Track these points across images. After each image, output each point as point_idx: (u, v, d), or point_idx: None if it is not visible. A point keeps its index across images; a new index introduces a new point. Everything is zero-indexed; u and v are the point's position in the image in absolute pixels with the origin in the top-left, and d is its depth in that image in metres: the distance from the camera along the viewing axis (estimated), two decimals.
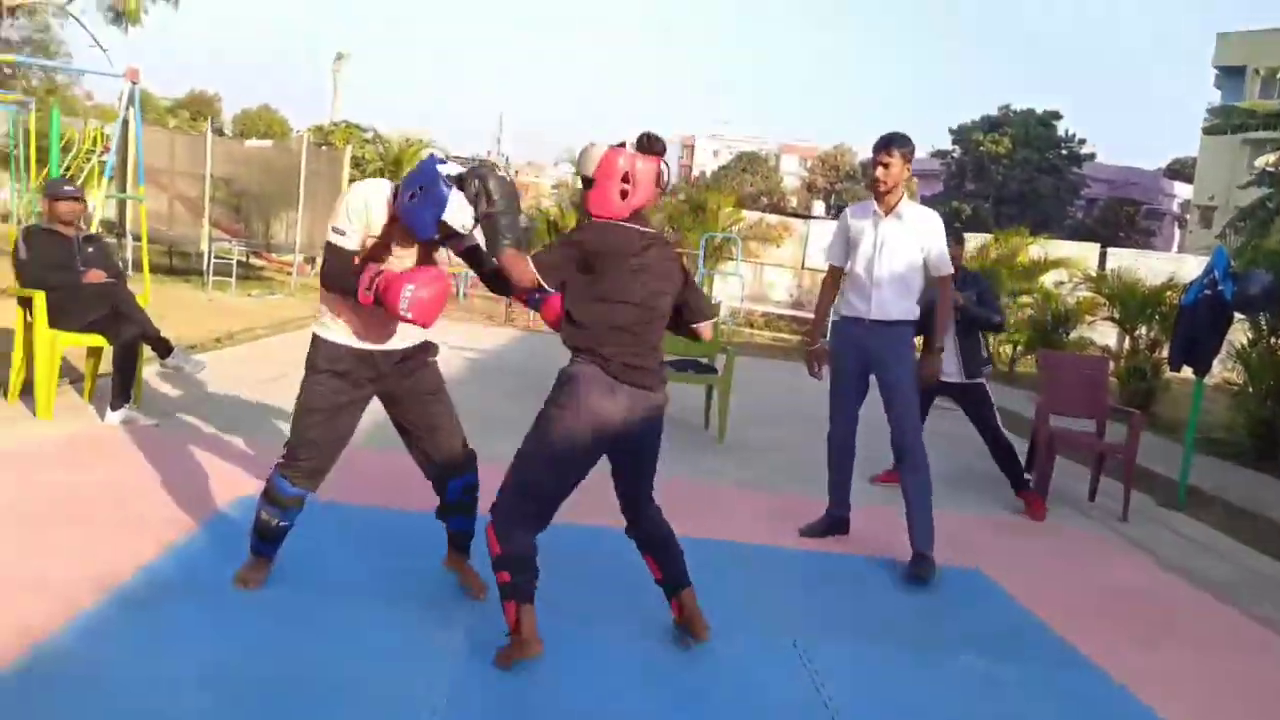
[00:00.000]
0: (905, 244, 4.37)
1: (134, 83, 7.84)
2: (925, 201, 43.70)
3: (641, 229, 3.01)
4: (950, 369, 5.69)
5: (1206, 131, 20.82)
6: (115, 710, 2.46)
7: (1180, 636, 3.96)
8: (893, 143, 4.33)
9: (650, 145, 3.01)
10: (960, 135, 41.85)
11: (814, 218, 24.34)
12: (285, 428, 5.73)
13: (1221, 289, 5.89)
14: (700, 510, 4.96)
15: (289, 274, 15.78)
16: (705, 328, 3.26)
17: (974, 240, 18.35)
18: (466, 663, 2.95)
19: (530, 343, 11.83)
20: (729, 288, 19.11)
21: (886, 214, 4.39)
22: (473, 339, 11.26)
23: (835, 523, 4.70)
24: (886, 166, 4.32)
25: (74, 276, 5.24)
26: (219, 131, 32.34)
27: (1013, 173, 38.88)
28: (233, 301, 12.18)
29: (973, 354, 5.78)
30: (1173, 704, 3.20)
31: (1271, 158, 18.19)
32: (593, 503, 3.51)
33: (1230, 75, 34.68)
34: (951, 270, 4.58)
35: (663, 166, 3.03)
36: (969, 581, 4.30)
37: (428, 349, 3.42)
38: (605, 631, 3.30)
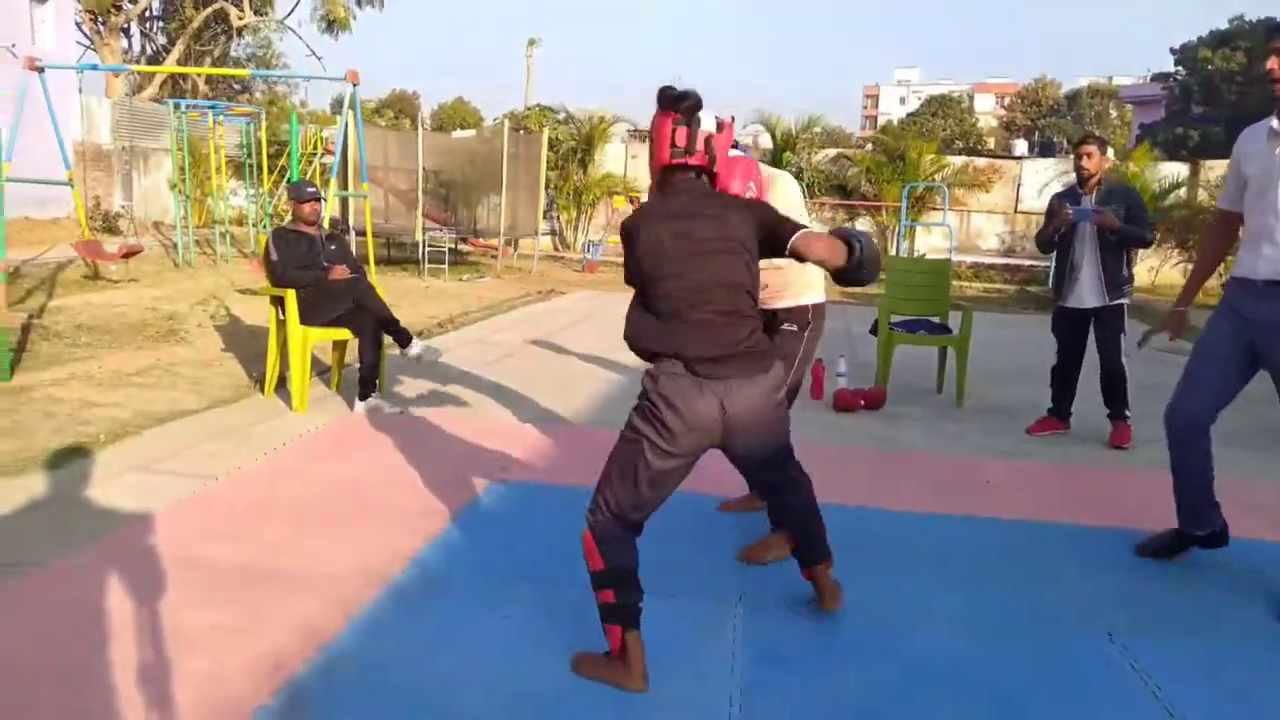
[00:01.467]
0: None
1: (355, 85, 8.12)
2: (1144, 130, 39.90)
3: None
4: (1089, 292, 5.31)
5: None
6: (405, 713, 2.43)
7: None
8: None
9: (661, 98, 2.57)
10: (1184, 55, 37.86)
11: (1021, 158, 22.64)
12: (515, 409, 5.87)
13: None
14: (958, 484, 4.58)
15: (494, 257, 16.28)
16: (806, 241, 2.51)
17: (1218, 168, 16.50)
18: (754, 665, 2.75)
19: None
20: (934, 240, 18.14)
21: None
22: None
23: (1183, 540, 3.65)
24: None
25: (321, 274, 5.45)
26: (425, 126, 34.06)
27: (1250, 89, 34.75)
28: (446, 286, 12.65)
29: (1115, 273, 5.27)
30: None
31: None
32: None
33: None
34: None
35: (672, 124, 2.53)
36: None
37: None
38: (890, 624, 3.03)
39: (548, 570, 3.30)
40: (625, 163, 19.48)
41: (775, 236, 2.57)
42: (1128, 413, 5.42)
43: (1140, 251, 15.78)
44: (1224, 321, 3.41)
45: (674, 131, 2.54)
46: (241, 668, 2.57)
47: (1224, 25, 37.06)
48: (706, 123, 2.56)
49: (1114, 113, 55.35)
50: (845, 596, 3.04)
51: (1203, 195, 15.96)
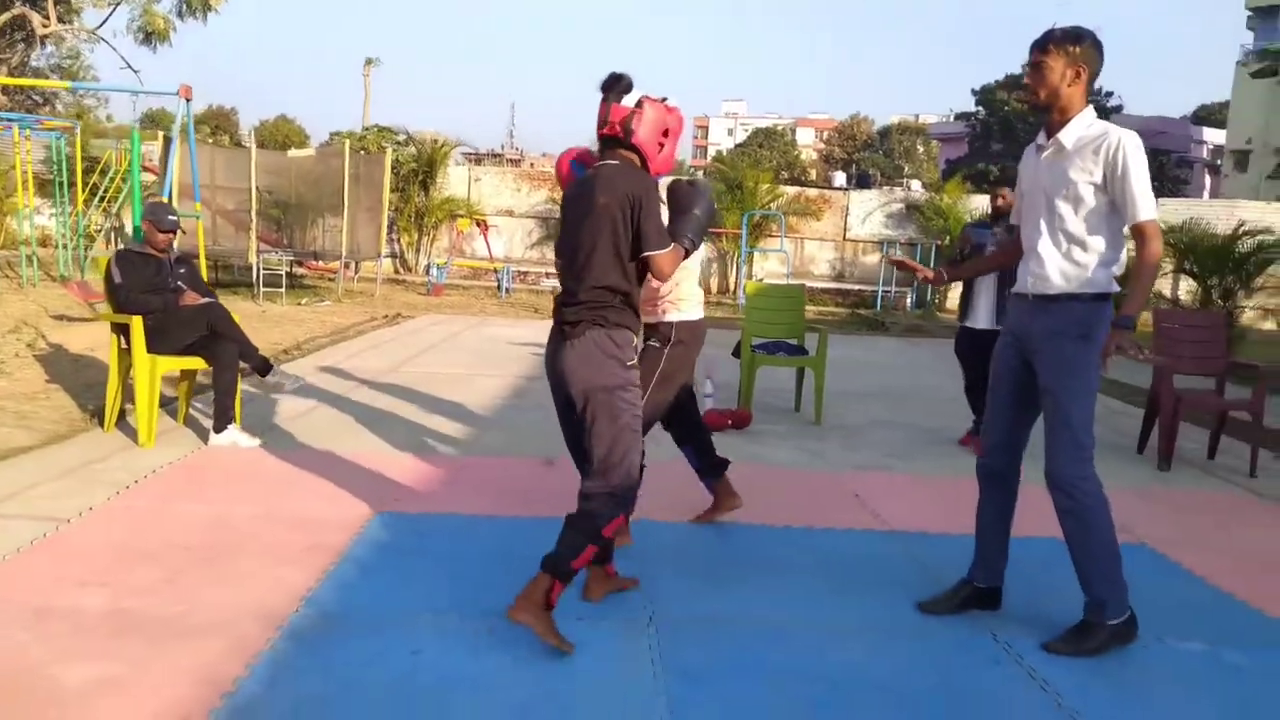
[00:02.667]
0: None
1: (188, 99, 7.68)
2: (950, 164, 43.11)
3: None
4: (984, 315, 5.90)
5: (1253, 75, 20.17)
6: None
7: None
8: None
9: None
10: (984, 96, 41.19)
11: (845, 189, 23.94)
12: (383, 437, 5.67)
13: None
14: (829, 499, 4.78)
15: (331, 280, 15.70)
16: (657, 258, 2.92)
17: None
18: (677, 684, 2.77)
19: None
20: (772, 265, 18.86)
21: None
22: (530, 333, 11.07)
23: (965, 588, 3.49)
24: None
25: (170, 299, 5.10)
26: (238, 144, 32.38)
27: (1039, 130, 38.21)
28: (286, 311, 12.09)
29: (1003, 298, 5.76)
30: None
31: None
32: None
33: (1263, 16, 33.77)
34: None
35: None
36: (1142, 559, 4.09)
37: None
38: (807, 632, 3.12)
39: (450, 601, 3.21)
40: (468, 185, 19.26)
41: (637, 237, 2.90)
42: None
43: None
44: (1005, 347, 3.30)
45: (599, 109, 2.99)
46: None
47: (1017, 70, 40.51)
48: (629, 101, 2.97)
49: (921, 148, 59.36)
50: (747, 612, 3.12)
51: None
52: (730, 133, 79.24)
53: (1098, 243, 3.05)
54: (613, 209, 2.86)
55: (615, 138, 2.97)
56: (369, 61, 30.13)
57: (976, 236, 5.93)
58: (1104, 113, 28.30)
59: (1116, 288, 3.09)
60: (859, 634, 3.18)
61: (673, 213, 3.11)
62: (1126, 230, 3.04)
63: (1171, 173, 41.51)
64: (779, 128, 63.77)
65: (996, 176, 37.08)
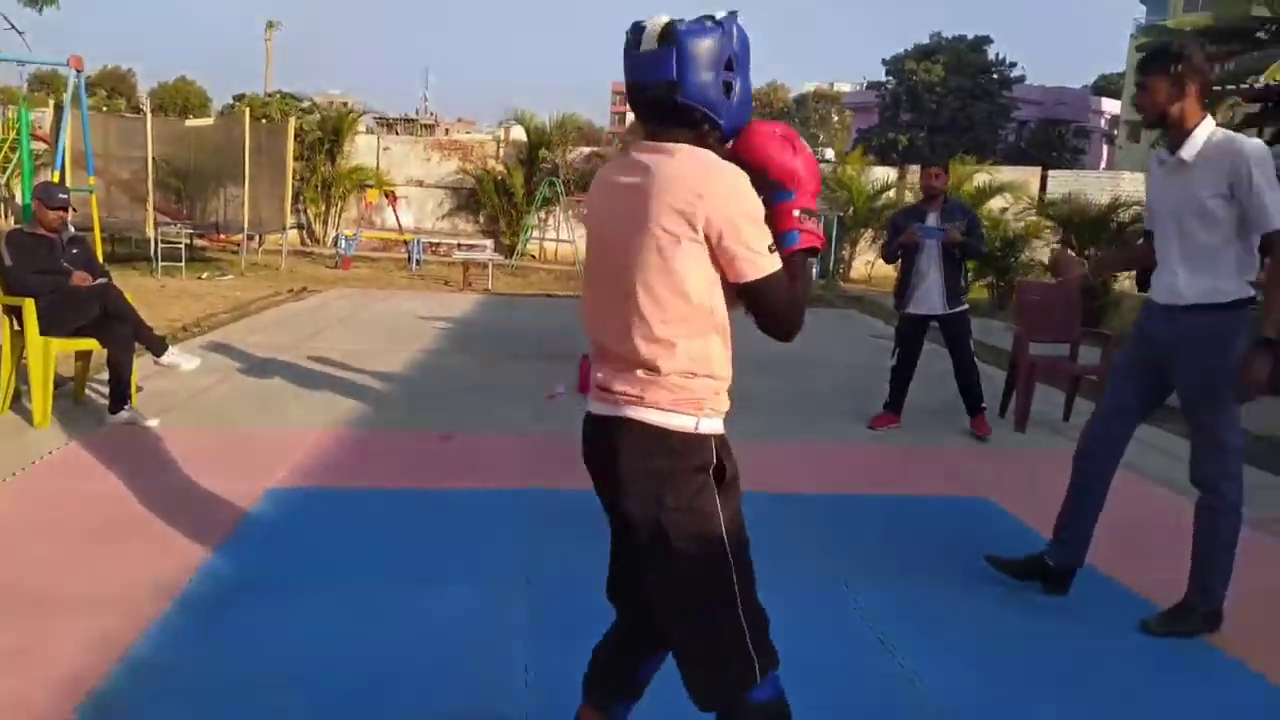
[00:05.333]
0: None
1: (79, 70, 7.55)
2: (861, 134, 44.00)
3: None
4: (935, 299, 5.92)
5: (1139, 50, 21.12)
6: (214, 715, 2.52)
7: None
8: None
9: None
10: (894, 66, 42.00)
11: None
12: (280, 415, 5.80)
13: None
14: None
15: (235, 252, 15.46)
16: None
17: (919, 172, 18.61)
18: (536, 640, 3.04)
19: (492, 306, 11.78)
20: None
21: None
22: (440, 307, 11.19)
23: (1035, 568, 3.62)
24: None
25: (63, 280, 5.13)
26: (135, 109, 31.22)
27: (946, 100, 39.25)
28: (186, 285, 11.93)
29: (956, 283, 5.98)
30: None
31: None
32: None
33: None
34: None
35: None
36: (980, 510, 4.52)
37: None
38: None
39: (343, 573, 3.43)
40: (377, 154, 19.05)
41: None
42: (983, 405, 6.05)
43: (862, 245, 17.33)
44: (1137, 347, 3.41)
45: None
46: (34, 689, 2.54)
47: (925, 40, 41.47)
48: None
49: (835, 117, 60.36)
50: None
51: (909, 196, 17.92)
52: None
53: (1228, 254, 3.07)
54: None
55: None
56: (270, 25, 29.26)
57: (923, 233, 5.84)
58: (1006, 84, 29.34)
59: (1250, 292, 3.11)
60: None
61: None
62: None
63: (1070, 143, 43.15)
64: None
65: (905, 147, 38.08)
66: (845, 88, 64.34)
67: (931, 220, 5.91)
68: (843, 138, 53.58)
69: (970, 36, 40.38)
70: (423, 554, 3.65)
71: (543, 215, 18.56)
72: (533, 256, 18.49)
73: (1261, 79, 12.47)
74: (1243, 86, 14.84)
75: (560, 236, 18.53)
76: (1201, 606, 3.26)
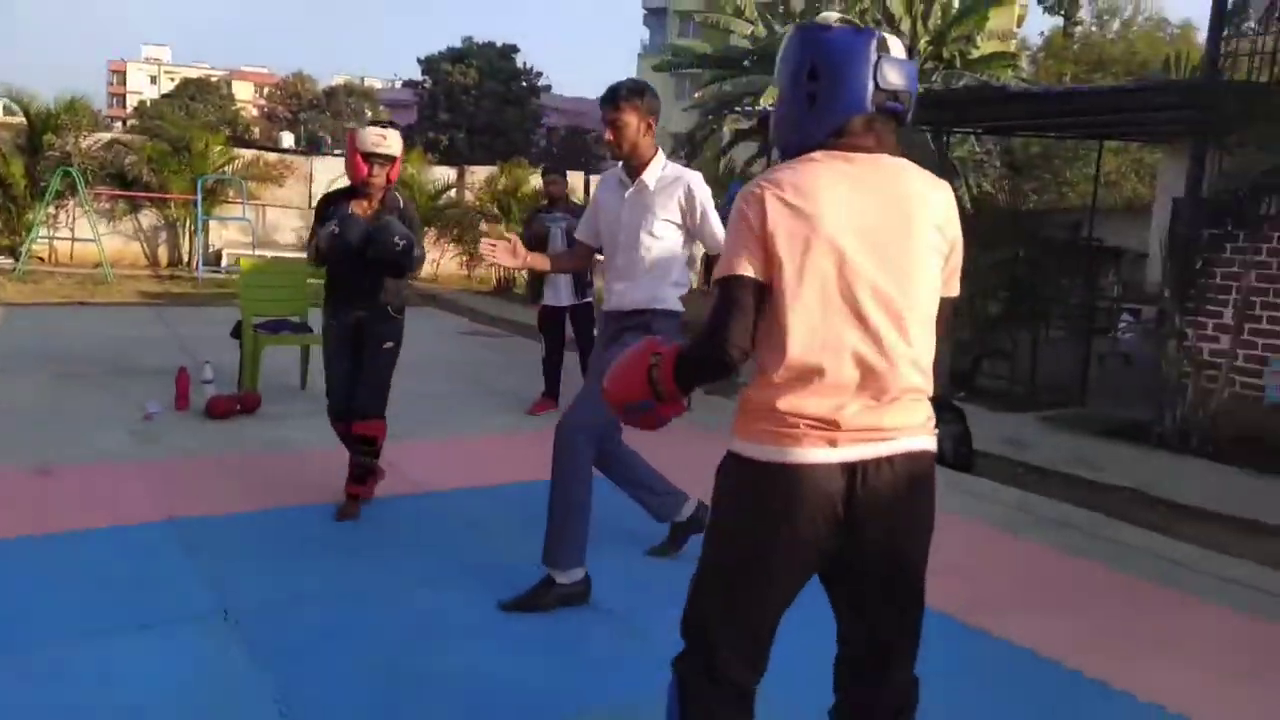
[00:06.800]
0: None
1: None
2: (403, 132, 43.66)
3: None
4: (565, 292, 6.64)
5: (655, 69, 23.89)
6: None
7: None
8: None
9: None
10: (429, 66, 42.53)
11: (303, 152, 23.29)
12: None
13: None
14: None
15: None
16: None
17: (482, 173, 19.25)
18: (268, 671, 2.85)
19: (18, 319, 9.97)
20: (232, 234, 17.81)
21: None
22: None
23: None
24: None
25: None
26: None
27: (481, 104, 40.66)
28: None
29: (581, 278, 6.64)
30: None
31: (699, 93, 21.45)
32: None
33: (655, 15, 39.83)
34: None
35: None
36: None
37: None
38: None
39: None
40: None
41: None
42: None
43: (426, 244, 17.54)
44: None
45: None
46: None
47: (458, 44, 42.53)
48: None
49: (369, 113, 59.33)
50: (328, 586, 3.29)
51: (469, 197, 18.46)
52: (154, 80, 71.16)
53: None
54: None
55: None
56: None
57: (546, 221, 6.68)
58: (535, 91, 31.19)
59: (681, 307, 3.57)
60: (429, 584, 3.54)
61: None
62: None
63: (595, 150, 47.09)
64: (213, 79, 58.94)
65: (447, 147, 38.75)
66: (376, 83, 63.68)
67: (557, 219, 6.64)
68: None
69: (499, 44, 42.23)
70: (85, 604, 3.17)
71: (52, 211, 16.01)
72: (40, 259, 15.85)
73: (763, 101, 14.74)
74: (738, 109, 17.58)
75: (78, 235, 16.15)
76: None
